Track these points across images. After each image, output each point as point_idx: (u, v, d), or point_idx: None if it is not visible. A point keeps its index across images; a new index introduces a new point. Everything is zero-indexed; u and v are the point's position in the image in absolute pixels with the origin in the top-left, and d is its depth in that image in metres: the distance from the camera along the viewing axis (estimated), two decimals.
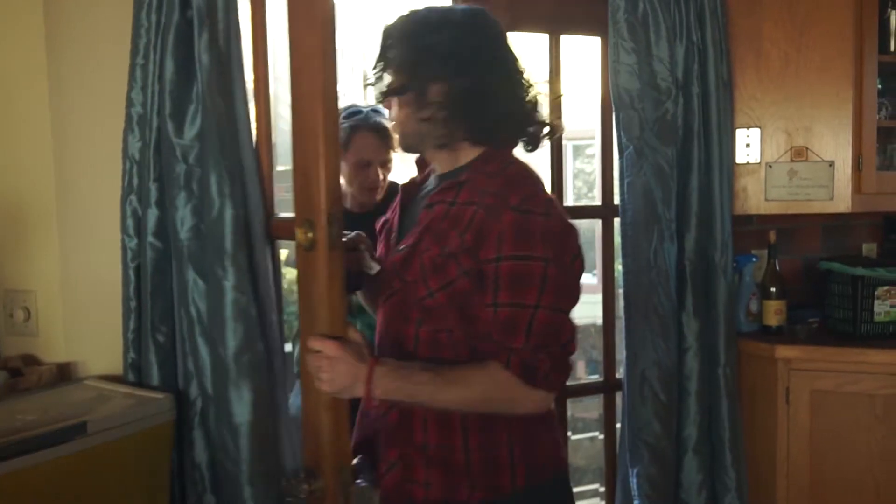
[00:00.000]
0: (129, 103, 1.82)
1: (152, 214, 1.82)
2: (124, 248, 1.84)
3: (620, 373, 2.64)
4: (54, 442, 1.48)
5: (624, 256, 2.37)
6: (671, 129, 2.36)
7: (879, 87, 2.55)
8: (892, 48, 2.57)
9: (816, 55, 2.46)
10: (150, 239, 1.83)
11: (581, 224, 2.33)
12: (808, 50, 2.47)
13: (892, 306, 2.40)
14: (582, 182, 9.71)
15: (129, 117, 1.83)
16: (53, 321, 1.87)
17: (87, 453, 1.54)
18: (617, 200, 2.47)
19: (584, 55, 2.93)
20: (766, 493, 2.44)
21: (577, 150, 9.21)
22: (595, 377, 2.68)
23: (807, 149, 2.48)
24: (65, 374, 1.85)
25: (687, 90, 2.39)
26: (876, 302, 2.39)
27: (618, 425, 2.62)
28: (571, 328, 1.41)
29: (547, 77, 2.49)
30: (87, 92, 1.86)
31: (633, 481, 2.37)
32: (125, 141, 1.83)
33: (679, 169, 2.40)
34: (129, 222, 1.84)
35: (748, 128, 2.54)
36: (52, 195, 1.84)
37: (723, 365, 2.41)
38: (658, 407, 2.35)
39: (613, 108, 2.36)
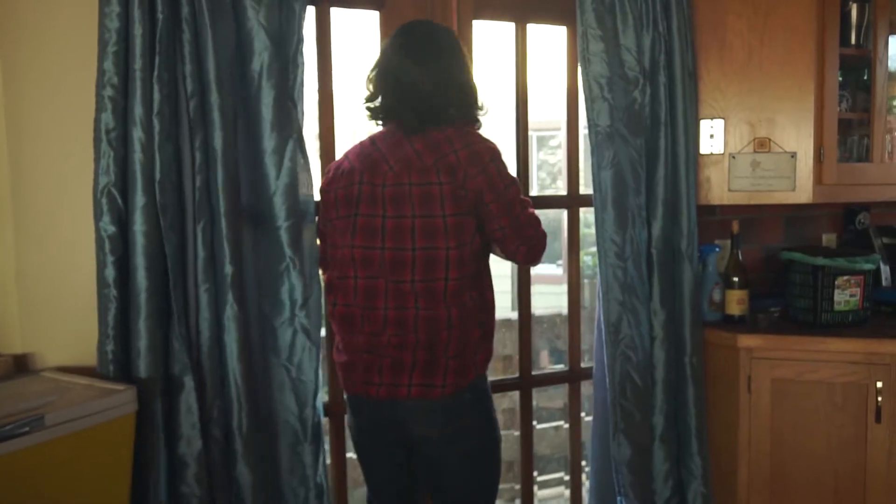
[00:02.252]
0: (101, 84, 1.76)
1: (140, 200, 1.76)
2: (100, 237, 1.77)
3: (585, 362, 2.66)
4: (10, 435, 1.44)
5: (599, 245, 2.37)
6: (639, 119, 2.38)
7: (840, 79, 2.59)
8: (853, 41, 2.61)
9: (779, 47, 2.49)
10: (140, 227, 1.76)
11: (547, 214, 2.34)
12: (771, 42, 2.50)
13: (851, 296, 2.44)
14: (546, 173, 9.74)
15: (100, 98, 1.76)
16: (8, 312, 1.81)
17: (45, 447, 1.50)
18: (583, 190, 2.47)
19: (546, 46, 2.92)
20: (728, 481, 2.47)
21: (542, 142, 9.23)
22: (560, 367, 2.67)
23: (769, 140, 2.51)
24: (21, 365, 1.79)
25: (654, 80, 2.40)
26: (836, 291, 2.43)
27: (583, 415, 2.65)
28: None
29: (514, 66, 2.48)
30: (44, 75, 1.80)
31: (617, 476, 2.38)
32: (97, 125, 1.76)
33: (647, 158, 2.41)
34: (106, 210, 1.77)
35: (712, 119, 2.56)
36: (7, 185, 1.78)
37: (689, 353, 2.44)
38: (637, 396, 2.37)
39: (584, 97, 2.35)
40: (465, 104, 1.85)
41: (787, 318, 2.58)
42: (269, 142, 1.94)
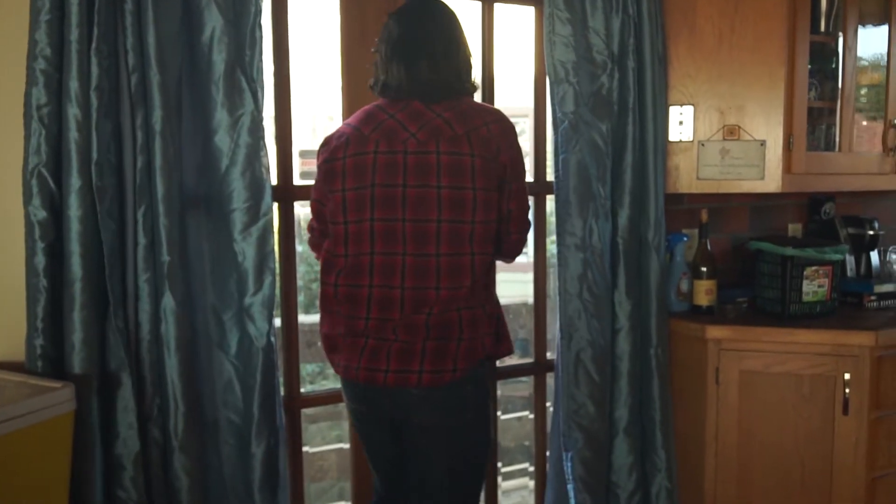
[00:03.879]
0: (32, 56, 1.62)
1: (75, 183, 1.62)
2: (30, 222, 1.64)
3: (552, 353, 2.59)
4: None
5: (558, 234, 2.31)
6: (606, 104, 2.31)
7: (810, 66, 2.54)
8: (822, 28, 2.57)
9: (750, 33, 2.43)
10: (75, 211, 1.63)
11: None
12: (741, 27, 2.44)
13: (819, 286, 2.40)
14: None
15: (31, 71, 1.62)
16: None
17: None
18: (550, 177, 2.39)
19: (515, 27, 2.83)
20: (695, 473, 2.43)
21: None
22: (527, 358, 2.60)
23: (739, 128, 2.46)
24: None
25: (622, 64, 2.34)
26: (804, 282, 2.39)
27: (548, 405, 2.58)
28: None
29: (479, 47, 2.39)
30: None
31: (568, 465, 2.33)
32: (28, 100, 1.63)
33: (614, 146, 2.34)
34: (36, 193, 1.63)
35: (682, 105, 2.50)
36: None
37: (655, 345, 2.39)
38: (593, 388, 2.31)
39: (548, 82, 2.28)
40: (468, 73, 1.80)
41: (756, 308, 2.53)
42: (219, 120, 1.82)
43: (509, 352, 1.87)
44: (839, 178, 2.59)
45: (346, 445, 2.21)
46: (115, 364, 1.67)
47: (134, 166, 1.70)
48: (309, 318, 3.26)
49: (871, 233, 2.80)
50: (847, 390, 2.28)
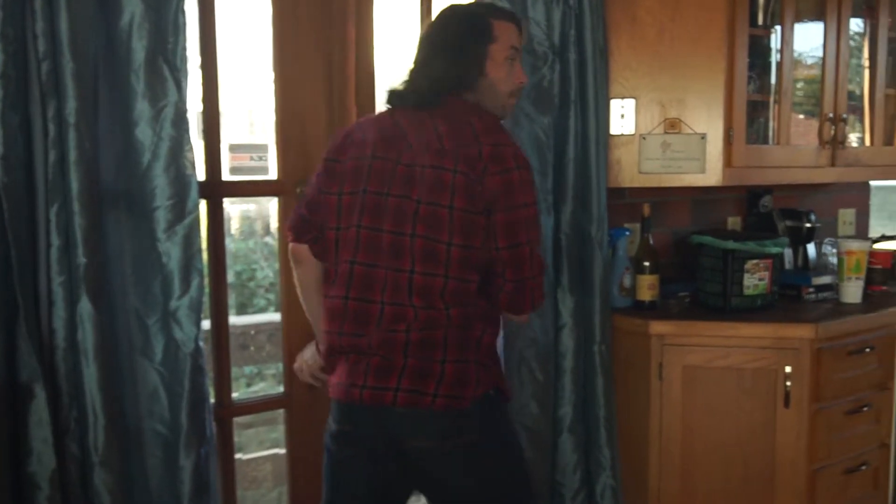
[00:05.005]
0: None
1: None
2: None
3: None
4: None
5: None
6: (548, 97, 2.26)
7: (749, 60, 2.54)
8: (761, 22, 2.57)
9: (690, 25, 2.42)
10: None
11: None
12: (682, 20, 2.42)
13: (760, 280, 2.40)
14: None
15: None
16: None
17: None
18: None
19: None
20: (639, 469, 2.41)
21: None
22: None
23: (680, 121, 2.44)
24: None
25: (564, 56, 2.29)
26: (745, 275, 2.38)
27: None
28: None
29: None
30: None
31: None
32: None
33: (556, 139, 2.30)
34: None
35: (623, 98, 2.47)
36: None
37: (598, 342, 2.36)
38: (536, 388, 2.27)
39: None
40: (459, 71, 1.66)
41: (698, 303, 2.52)
42: (140, 112, 1.71)
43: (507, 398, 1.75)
44: (777, 172, 2.61)
45: (283, 451, 2.11)
46: (27, 374, 1.54)
47: (45, 161, 1.57)
48: (242, 320, 3.14)
49: (809, 225, 2.84)
50: (788, 383, 2.28)
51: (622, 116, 2.48)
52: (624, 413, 2.44)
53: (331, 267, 1.67)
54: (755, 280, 2.39)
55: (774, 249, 2.41)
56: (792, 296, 2.62)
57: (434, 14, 1.82)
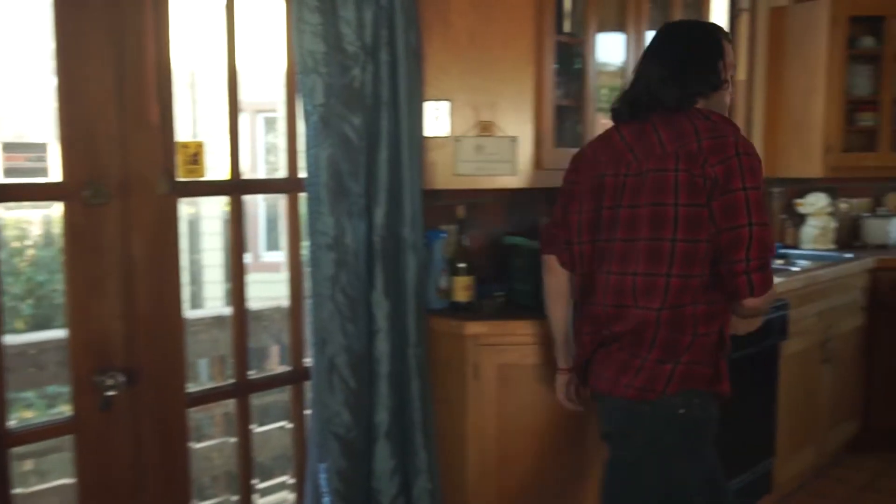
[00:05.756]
0: None
1: None
2: None
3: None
4: None
5: (310, 234, 2.19)
6: (359, 97, 2.22)
7: (557, 66, 2.63)
8: (567, 29, 2.67)
9: (501, 31, 2.46)
10: None
11: (266, 200, 2.10)
12: (493, 25, 2.47)
13: None
14: (276, 157, 9.38)
15: None
16: None
17: None
18: (303, 174, 2.26)
19: (267, 15, 2.66)
20: (458, 471, 2.42)
21: (270, 123, 8.80)
22: (284, 367, 2.46)
23: (493, 123, 2.48)
24: None
25: (376, 57, 2.26)
26: None
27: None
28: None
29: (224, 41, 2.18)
30: None
31: (322, 477, 2.22)
32: None
33: (368, 140, 2.26)
34: None
35: (437, 100, 2.48)
36: None
37: (413, 345, 2.35)
38: (348, 395, 2.22)
39: (298, 73, 2.14)
40: (688, 87, 1.82)
41: (512, 302, 2.58)
42: None
43: (726, 392, 1.84)
44: None
45: (72, 480, 1.92)
46: None
47: None
48: (23, 338, 2.85)
49: None
50: None
51: (436, 118, 2.48)
52: (442, 415, 2.44)
53: (584, 277, 1.94)
54: None
55: None
56: None
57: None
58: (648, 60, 1.90)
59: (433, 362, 2.44)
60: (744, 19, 4.00)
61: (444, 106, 2.46)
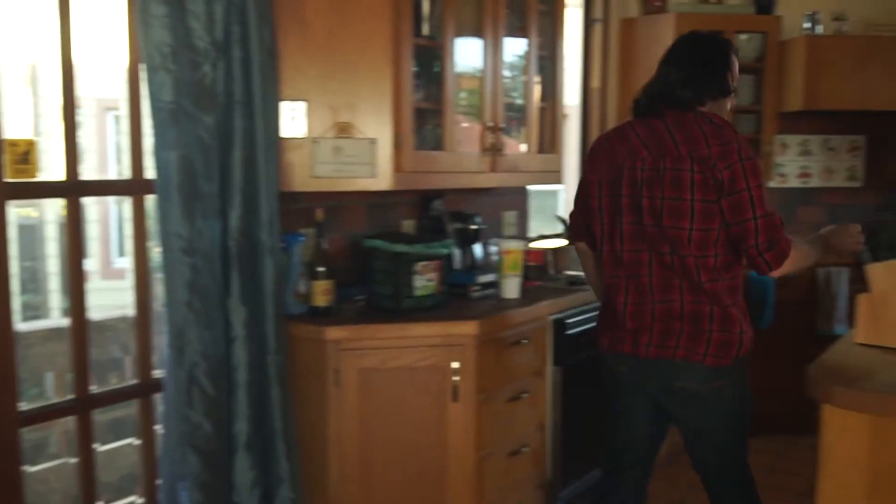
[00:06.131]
0: None
1: None
2: None
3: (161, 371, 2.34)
4: None
5: (162, 238, 2.08)
6: (211, 96, 2.14)
7: (416, 69, 2.63)
8: (426, 32, 2.67)
9: (358, 32, 2.44)
10: None
11: (118, 202, 1.97)
12: (350, 25, 2.44)
13: (429, 280, 2.50)
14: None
15: None
16: None
17: None
18: (150, 174, 2.15)
19: (109, 7, 2.50)
20: (320, 477, 2.37)
21: (120, 121, 8.38)
22: (131, 380, 2.32)
23: (351, 125, 2.45)
24: None
25: (228, 54, 2.18)
26: (415, 277, 2.46)
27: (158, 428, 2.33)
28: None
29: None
30: None
31: (183, 494, 2.11)
32: None
33: (221, 140, 2.18)
34: None
35: (294, 100, 2.42)
36: None
37: (273, 352, 2.28)
38: (209, 405, 2.14)
39: (145, 68, 2.03)
40: (699, 90, 2.10)
41: (372, 306, 2.55)
42: None
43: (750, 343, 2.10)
44: (445, 176, 2.74)
45: None
46: None
47: None
48: None
49: (475, 227, 3.02)
50: (456, 378, 2.40)
51: (293, 119, 2.42)
52: (304, 423, 2.39)
53: (607, 254, 2.17)
54: (425, 281, 2.48)
55: (442, 251, 2.52)
56: (460, 294, 2.77)
57: None
58: (668, 64, 2.16)
59: (293, 369, 2.38)
60: (597, 29, 4.18)
61: (301, 106, 2.41)
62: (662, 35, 4.12)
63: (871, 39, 4.26)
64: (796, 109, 4.16)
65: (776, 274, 2.04)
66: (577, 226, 2.34)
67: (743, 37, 4.22)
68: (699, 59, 2.13)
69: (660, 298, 2.07)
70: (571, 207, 2.36)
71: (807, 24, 4.29)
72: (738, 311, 2.08)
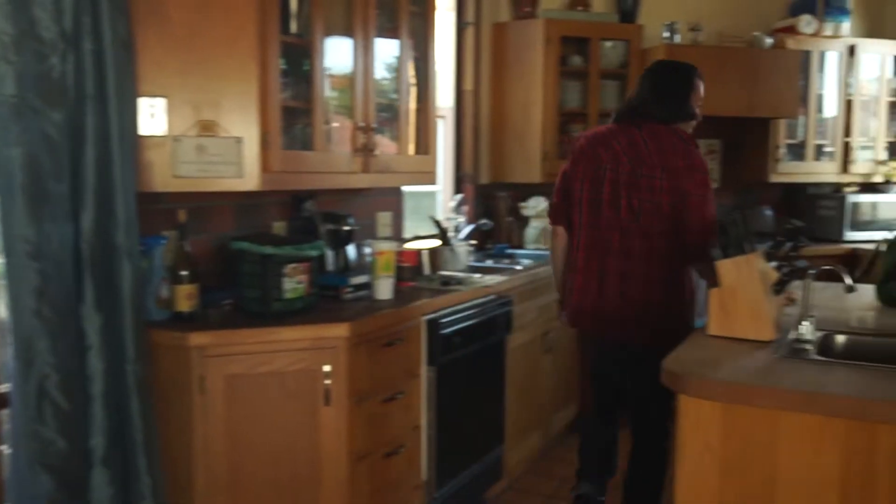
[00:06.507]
0: None
1: None
2: None
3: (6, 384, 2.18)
4: None
5: (6, 242, 1.94)
6: (59, 90, 2.02)
7: (285, 67, 2.58)
8: (294, 30, 2.62)
9: (222, 27, 2.36)
10: None
11: None
12: (213, 20, 2.36)
13: (299, 283, 2.45)
14: None
15: None
16: None
17: None
18: None
19: None
20: (185, 491, 2.28)
21: None
22: None
23: (215, 123, 2.37)
24: None
25: (78, 46, 2.06)
26: (285, 279, 2.40)
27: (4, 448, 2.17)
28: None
29: None
30: None
31: None
32: None
33: (72, 138, 2.05)
34: None
35: (153, 96, 2.32)
36: None
37: (132, 361, 2.17)
38: (62, 420, 2.01)
39: None
40: (668, 110, 2.66)
41: (240, 310, 2.48)
42: None
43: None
44: (316, 177, 2.69)
45: None
46: None
47: None
48: None
49: (347, 228, 2.99)
50: (328, 381, 2.36)
51: (152, 116, 2.32)
52: (167, 433, 2.28)
53: (579, 240, 2.70)
54: (294, 283, 2.43)
55: (312, 252, 2.48)
56: (332, 296, 2.73)
57: None
58: (644, 81, 2.69)
59: (156, 378, 2.27)
60: (469, 32, 4.24)
61: (161, 103, 2.31)
62: (532, 39, 4.24)
63: (723, 50, 4.55)
64: None
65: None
66: (558, 213, 2.80)
67: (608, 44, 4.40)
68: (667, 82, 2.67)
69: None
70: (553, 198, 2.84)
71: (666, 34, 4.52)
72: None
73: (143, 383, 2.19)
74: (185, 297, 2.32)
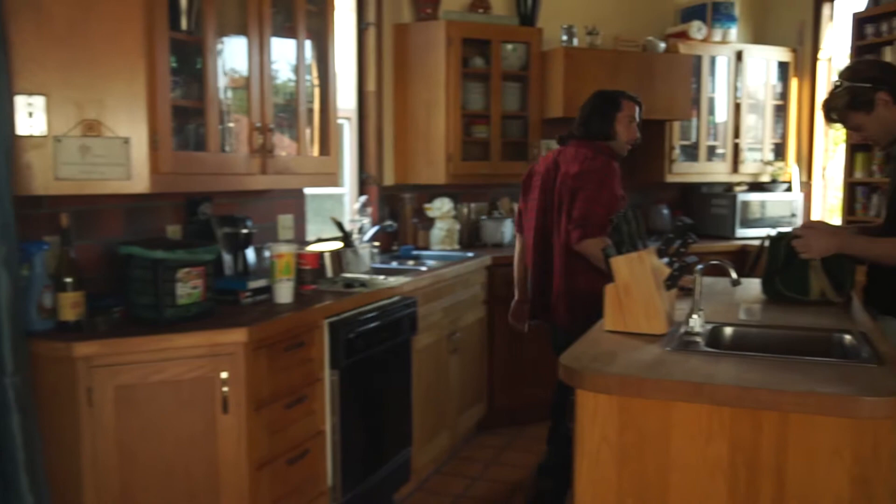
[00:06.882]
0: None
1: None
2: None
3: None
4: None
5: None
6: None
7: (175, 65, 2.49)
8: (185, 27, 2.54)
9: (106, 23, 2.27)
10: None
11: None
12: (97, 16, 2.26)
13: (193, 288, 2.36)
14: None
15: None
16: None
17: None
18: None
19: None
20: None
21: None
22: None
23: (100, 123, 2.26)
24: None
25: None
26: (178, 285, 2.32)
27: None
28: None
29: None
30: None
31: None
32: None
33: None
34: None
35: (31, 94, 2.20)
36: None
37: (10, 374, 2.05)
38: None
39: None
40: (586, 129, 3.11)
41: (130, 317, 2.37)
42: None
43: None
44: (211, 178, 2.61)
45: None
46: None
47: None
48: None
49: (245, 231, 2.91)
50: (225, 389, 2.29)
51: (31, 115, 2.20)
52: (53, 450, 2.16)
53: (529, 242, 3.21)
54: (189, 289, 2.35)
55: (206, 256, 2.40)
56: (231, 301, 2.66)
57: None
58: (581, 109, 3.15)
59: (38, 391, 2.15)
60: (371, 33, 4.21)
61: (40, 101, 2.19)
62: (434, 41, 4.25)
63: (619, 54, 4.67)
64: (558, 116, 4.46)
65: (578, 248, 2.92)
66: (518, 222, 3.38)
67: (509, 46, 4.45)
68: (592, 107, 3.10)
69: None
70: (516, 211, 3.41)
71: (564, 37, 4.61)
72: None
73: (23, 398, 2.06)
74: (70, 306, 2.21)
